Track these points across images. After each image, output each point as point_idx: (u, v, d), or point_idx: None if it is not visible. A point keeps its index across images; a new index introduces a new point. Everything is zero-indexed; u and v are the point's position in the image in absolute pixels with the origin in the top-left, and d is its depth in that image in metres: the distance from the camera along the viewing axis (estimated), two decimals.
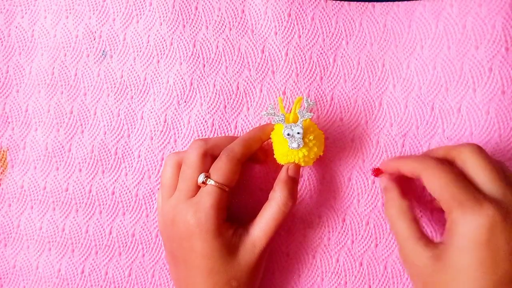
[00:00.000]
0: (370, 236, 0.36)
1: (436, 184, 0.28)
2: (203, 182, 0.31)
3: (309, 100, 0.32)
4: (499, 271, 0.25)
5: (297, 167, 0.33)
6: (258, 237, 0.31)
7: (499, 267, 0.25)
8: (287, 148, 0.32)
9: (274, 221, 0.31)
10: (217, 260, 0.30)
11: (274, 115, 0.32)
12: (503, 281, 0.25)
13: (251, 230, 0.32)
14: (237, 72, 0.37)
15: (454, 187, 0.27)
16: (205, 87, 0.37)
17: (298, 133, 0.31)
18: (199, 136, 0.37)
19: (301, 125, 0.31)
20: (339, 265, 0.36)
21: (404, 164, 0.32)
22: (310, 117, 0.31)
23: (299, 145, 0.31)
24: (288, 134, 0.31)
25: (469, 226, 0.26)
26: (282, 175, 0.33)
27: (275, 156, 0.33)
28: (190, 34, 0.37)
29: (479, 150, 0.29)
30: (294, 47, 0.36)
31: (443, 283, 0.27)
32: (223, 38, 0.37)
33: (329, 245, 0.36)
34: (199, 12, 0.37)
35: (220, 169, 0.31)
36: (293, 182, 0.32)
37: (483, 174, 0.28)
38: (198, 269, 0.30)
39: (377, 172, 0.35)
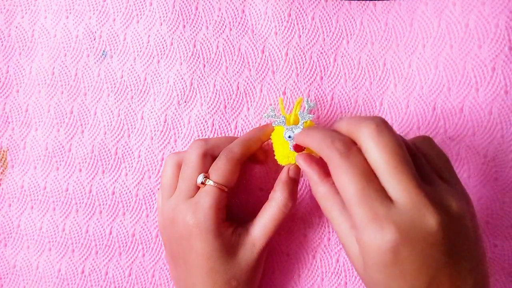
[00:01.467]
0: None
1: (340, 186, 0.25)
2: (202, 183, 0.31)
3: (309, 102, 0.32)
4: (409, 283, 0.24)
5: (298, 168, 0.33)
6: (258, 237, 0.31)
7: (407, 280, 0.24)
8: (288, 150, 0.32)
9: (274, 221, 0.31)
10: (216, 259, 0.30)
11: (274, 117, 0.32)
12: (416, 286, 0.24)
13: (251, 230, 0.32)
14: (237, 72, 0.37)
15: (357, 201, 0.24)
16: (205, 87, 0.37)
17: None
18: (199, 136, 0.37)
19: (302, 127, 0.31)
20: (339, 265, 0.36)
21: (311, 143, 0.28)
22: (311, 119, 0.31)
23: None
24: (289, 137, 0.31)
25: (372, 249, 0.24)
26: (283, 176, 0.32)
27: (276, 157, 0.33)
28: (190, 34, 0.37)
29: (380, 134, 0.24)
30: (294, 47, 0.36)
31: (369, 283, 0.26)
32: (223, 38, 0.37)
33: (329, 245, 0.36)
34: (199, 12, 0.37)
35: (219, 170, 0.31)
36: (293, 183, 0.32)
37: (385, 172, 0.24)
38: (198, 269, 0.31)
39: (297, 148, 0.31)
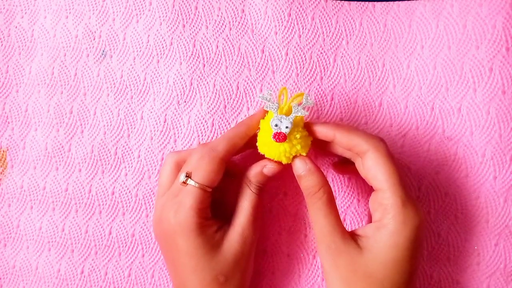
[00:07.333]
0: None
1: (383, 171, 0.29)
2: (184, 182, 0.30)
3: (308, 98, 0.31)
4: (413, 266, 0.29)
5: (275, 169, 0.32)
6: (239, 223, 0.31)
7: (413, 264, 0.28)
8: (270, 139, 0.30)
9: (250, 202, 0.31)
10: (200, 257, 0.30)
11: (268, 101, 0.30)
12: (413, 273, 0.29)
13: (232, 221, 0.32)
14: (237, 72, 0.37)
15: (400, 182, 0.28)
16: (205, 87, 0.37)
17: (286, 127, 0.29)
18: (199, 136, 0.37)
19: (291, 120, 0.30)
20: None
21: (346, 136, 0.30)
22: (304, 115, 0.30)
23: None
24: (276, 125, 0.30)
25: (409, 226, 0.28)
26: (256, 169, 0.32)
27: (257, 144, 0.32)
28: (190, 34, 0.37)
29: (385, 156, 0.29)
30: (294, 47, 0.36)
31: (370, 272, 0.29)
32: (223, 38, 0.37)
33: None
34: (199, 12, 0.37)
35: (202, 170, 0.30)
36: (264, 177, 0.32)
37: (386, 186, 0.29)
38: (184, 267, 0.30)
39: (277, 138, 0.30)
